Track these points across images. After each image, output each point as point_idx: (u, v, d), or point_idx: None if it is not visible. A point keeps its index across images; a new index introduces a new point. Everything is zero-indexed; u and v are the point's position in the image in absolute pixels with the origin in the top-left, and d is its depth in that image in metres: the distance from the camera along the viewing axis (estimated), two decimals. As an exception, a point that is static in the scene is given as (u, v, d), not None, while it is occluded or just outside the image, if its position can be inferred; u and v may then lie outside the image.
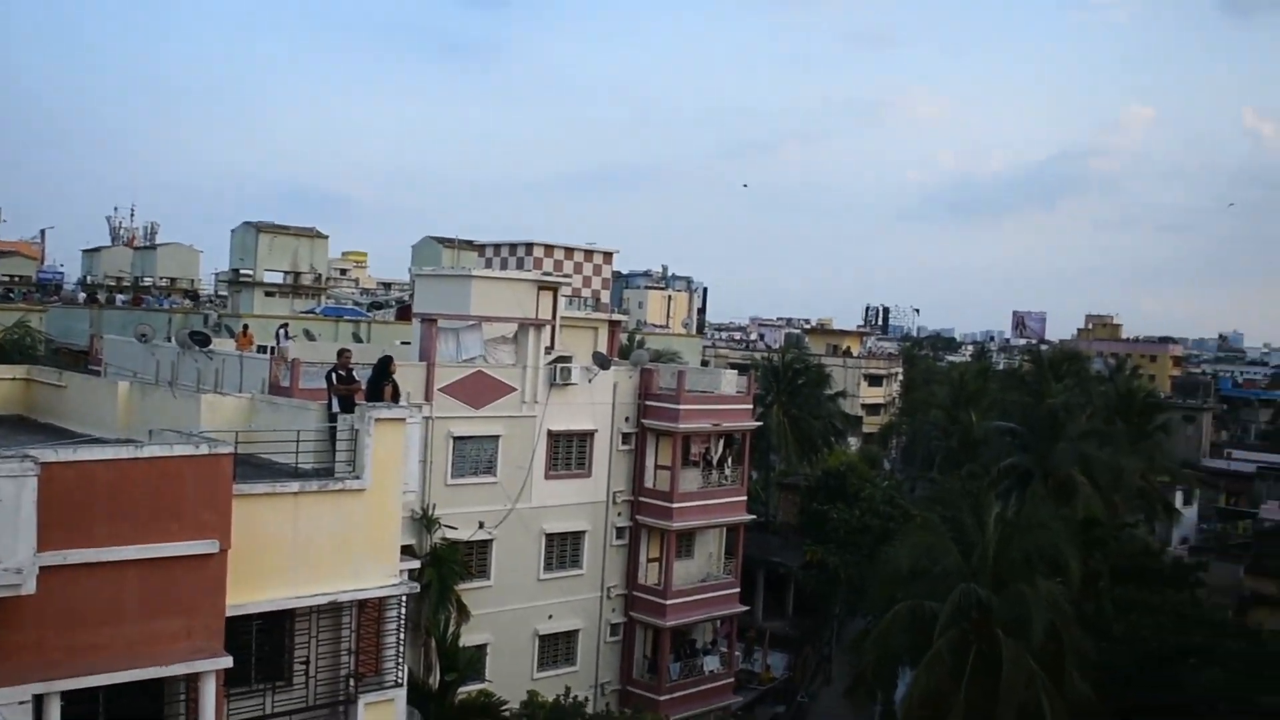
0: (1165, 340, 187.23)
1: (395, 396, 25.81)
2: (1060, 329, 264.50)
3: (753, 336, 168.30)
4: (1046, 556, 40.48)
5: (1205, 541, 73.22)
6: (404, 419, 22.09)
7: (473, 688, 38.59)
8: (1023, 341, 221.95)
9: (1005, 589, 38.57)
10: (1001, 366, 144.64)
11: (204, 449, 17.88)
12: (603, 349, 48.48)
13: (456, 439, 41.47)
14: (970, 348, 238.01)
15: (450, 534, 40.27)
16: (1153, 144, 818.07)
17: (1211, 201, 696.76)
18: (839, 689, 51.04)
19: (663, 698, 46.05)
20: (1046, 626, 37.38)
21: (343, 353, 26.30)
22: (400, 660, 22.44)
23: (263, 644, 20.52)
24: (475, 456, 42.37)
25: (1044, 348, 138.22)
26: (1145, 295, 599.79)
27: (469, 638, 40.17)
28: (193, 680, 17.89)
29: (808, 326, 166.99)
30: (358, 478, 21.11)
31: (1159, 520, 62.55)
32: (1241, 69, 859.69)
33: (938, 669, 38.16)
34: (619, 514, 46.69)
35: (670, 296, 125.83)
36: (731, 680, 50.75)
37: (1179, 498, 69.60)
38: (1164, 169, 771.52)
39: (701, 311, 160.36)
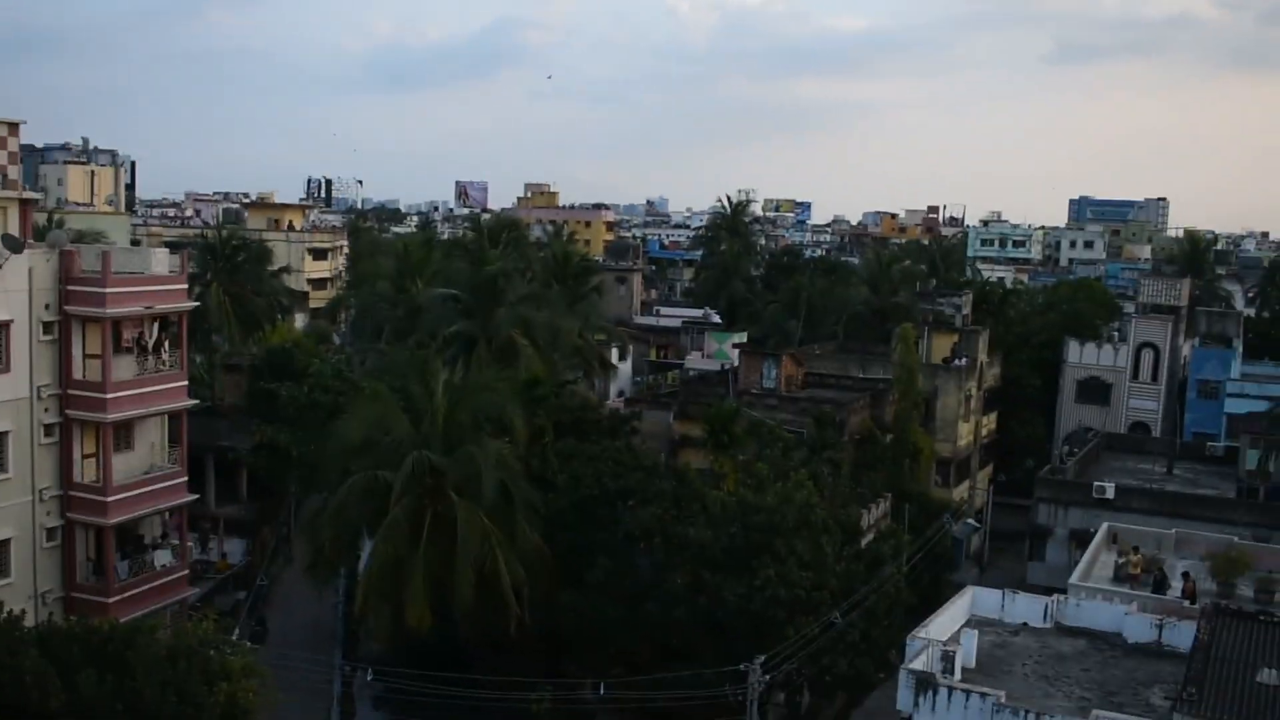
0: (599, 206, 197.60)
1: None
2: (502, 198, 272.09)
3: (189, 213, 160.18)
4: (493, 417, 41.84)
5: (639, 392, 78.35)
6: None
7: (-116, 616, 34.72)
8: (466, 211, 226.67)
9: (456, 452, 39.54)
10: (446, 236, 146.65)
11: None
12: (14, 231, 44.19)
13: None
14: (415, 218, 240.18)
15: None
16: (584, 18, 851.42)
17: (638, 75, 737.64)
18: (300, 568, 50.58)
19: (112, 600, 43.59)
20: (496, 484, 38.81)
21: None
22: None
23: None
24: None
25: (486, 216, 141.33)
26: (580, 163, 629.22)
27: (-126, 561, 36.03)
28: None
29: (247, 201, 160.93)
30: None
31: (597, 376, 66.17)
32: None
33: (396, 536, 38.76)
34: (46, 410, 43.10)
35: (93, 172, 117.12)
36: (186, 572, 48.91)
37: (614, 354, 73.82)
38: (595, 43, 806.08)
39: (130, 188, 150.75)
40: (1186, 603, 40.59)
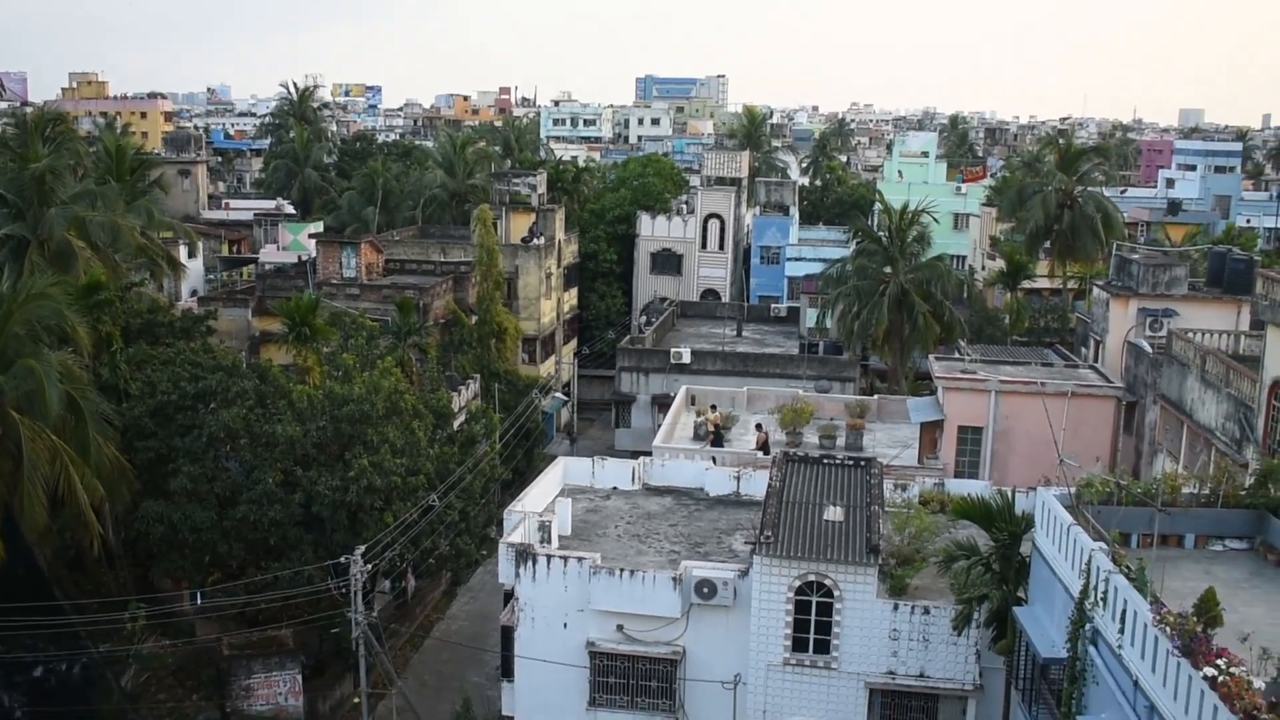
0: (155, 96, 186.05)
1: None
2: (45, 89, 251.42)
3: None
4: (52, 327, 38.99)
5: (214, 291, 75.14)
6: None
7: None
8: (4, 105, 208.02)
9: (13, 368, 36.71)
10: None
11: None
12: None
13: None
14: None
15: None
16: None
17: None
18: None
19: None
20: (62, 398, 36.36)
21: None
22: None
23: None
24: None
25: (28, 110, 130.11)
26: (132, 51, 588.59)
27: None
28: None
29: None
30: None
31: (166, 276, 62.61)
32: None
33: (-50, 464, 35.74)
34: None
35: None
36: None
37: (183, 252, 70.20)
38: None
39: None
40: (760, 453, 43.57)
